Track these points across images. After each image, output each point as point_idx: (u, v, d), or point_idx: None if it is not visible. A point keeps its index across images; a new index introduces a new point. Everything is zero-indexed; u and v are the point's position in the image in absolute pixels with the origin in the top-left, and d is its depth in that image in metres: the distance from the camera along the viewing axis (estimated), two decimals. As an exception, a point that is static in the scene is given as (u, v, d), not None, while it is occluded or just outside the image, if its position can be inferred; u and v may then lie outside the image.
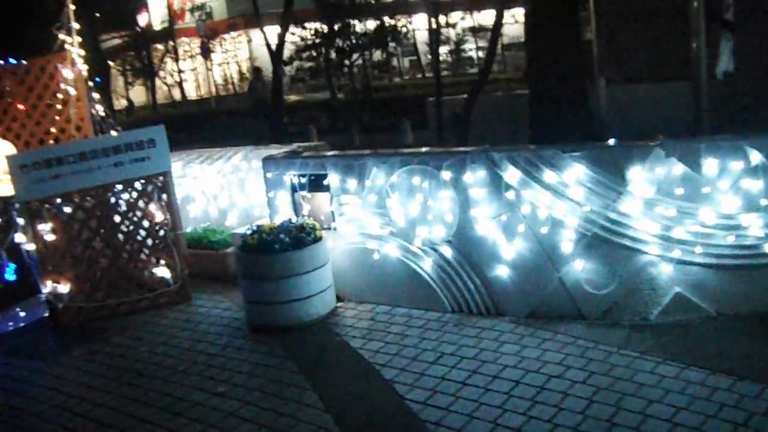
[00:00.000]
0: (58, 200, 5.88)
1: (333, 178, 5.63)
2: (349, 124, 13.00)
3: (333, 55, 19.35)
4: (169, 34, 28.13)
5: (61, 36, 6.52)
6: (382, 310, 5.54)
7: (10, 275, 5.77)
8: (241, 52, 29.86)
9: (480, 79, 10.08)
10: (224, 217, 7.00)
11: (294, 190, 5.85)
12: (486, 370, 4.40)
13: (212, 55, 28.32)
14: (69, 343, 5.73)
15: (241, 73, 28.97)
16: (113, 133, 6.60)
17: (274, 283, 5.27)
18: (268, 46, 17.42)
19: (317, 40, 19.23)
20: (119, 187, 5.96)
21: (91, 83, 6.53)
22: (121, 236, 6.09)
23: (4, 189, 6.01)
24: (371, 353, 4.84)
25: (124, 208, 6.02)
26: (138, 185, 5.99)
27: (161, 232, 6.07)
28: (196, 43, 28.59)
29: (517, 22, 21.58)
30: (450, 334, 4.98)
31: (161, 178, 5.98)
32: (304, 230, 5.39)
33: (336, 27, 18.83)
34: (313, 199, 5.81)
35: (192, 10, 29.49)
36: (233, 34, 29.31)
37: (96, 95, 6.51)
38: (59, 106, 6.54)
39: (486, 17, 23.87)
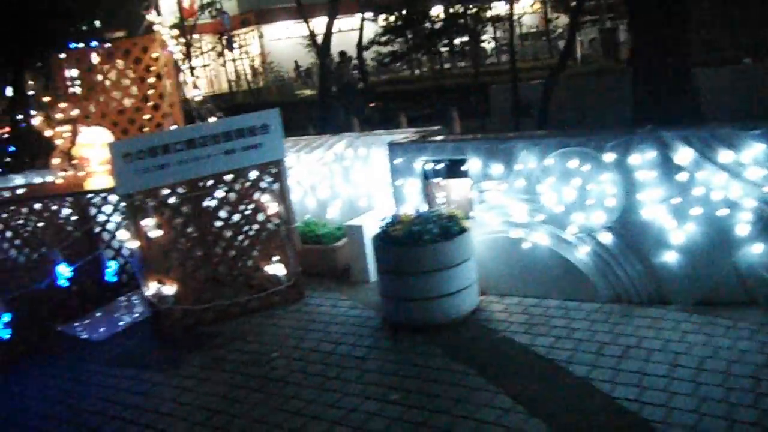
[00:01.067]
0: (164, 192, 5.33)
1: (474, 163, 5.18)
2: (441, 111, 12.44)
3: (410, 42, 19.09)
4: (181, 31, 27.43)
5: (149, 17, 5.96)
6: (531, 302, 5.10)
7: (111, 275, 5.19)
8: (253, 48, 29.21)
9: (559, 65, 9.72)
10: (323, 209, 6.49)
11: (426, 177, 5.39)
12: (684, 362, 4.02)
13: (225, 52, 27.75)
14: (181, 350, 5.18)
15: (253, 68, 28.35)
16: (211, 119, 6.05)
17: (422, 278, 4.80)
18: (313, 37, 16.96)
19: (398, 23, 18.89)
20: (230, 177, 5.43)
21: (185, 67, 5.99)
22: (230, 231, 5.55)
23: (100, 181, 5.43)
24: (545, 349, 4.41)
25: (234, 200, 5.49)
26: (250, 175, 5.46)
27: (274, 226, 5.55)
28: (206, 40, 27.85)
29: (534, 12, 21.51)
30: (622, 326, 4.58)
31: (274, 167, 5.46)
32: (451, 219, 4.94)
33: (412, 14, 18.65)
34: (448, 186, 5.36)
35: (202, 8, 28.68)
36: (244, 29, 28.61)
37: (191, 78, 5.96)
38: (151, 91, 5.99)
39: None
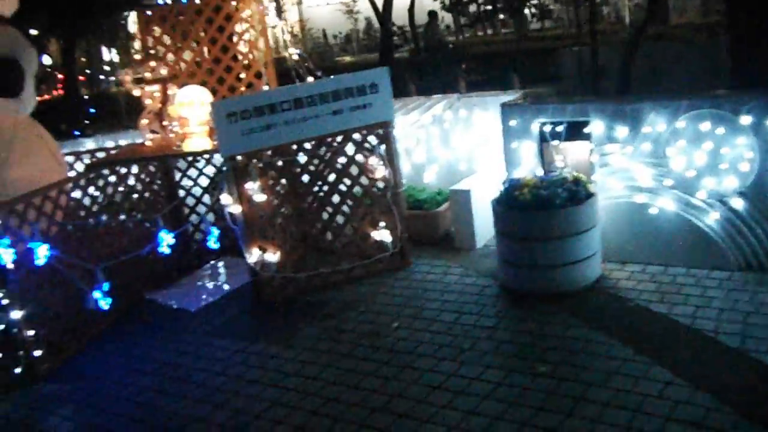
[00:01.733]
0: (268, 154, 5.11)
1: (597, 126, 4.93)
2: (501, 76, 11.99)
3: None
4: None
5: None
6: (657, 270, 4.88)
7: (214, 242, 4.98)
8: (291, 15, 28.72)
9: (642, 26, 9.38)
10: (419, 173, 6.25)
11: (543, 139, 5.15)
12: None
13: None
14: (288, 320, 4.99)
15: (293, 35, 27.97)
16: (310, 79, 5.79)
17: (550, 244, 4.60)
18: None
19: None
20: (337, 139, 5.20)
21: (285, 26, 5.71)
22: (337, 196, 5.34)
23: (199, 142, 5.20)
24: (688, 318, 4.21)
25: (341, 163, 5.26)
26: (357, 136, 5.23)
27: (379, 190, 5.33)
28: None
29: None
30: (763, 294, 4.36)
31: (381, 128, 5.22)
32: (577, 184, 4.71)
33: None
34: (567, 149, 5.12)
35: None
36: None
37: (289, 36, 5.67)
38: (244, 50, 5.73)
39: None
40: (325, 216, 5.43)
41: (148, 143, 5.65)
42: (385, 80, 5.18)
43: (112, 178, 5.40)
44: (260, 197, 5.06)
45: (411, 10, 17.89)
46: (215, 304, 5.47)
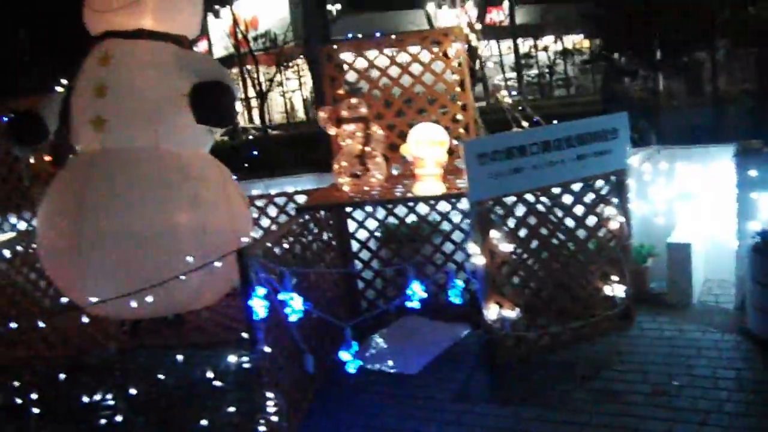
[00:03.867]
0: (512, 200, 4.74)
1: None
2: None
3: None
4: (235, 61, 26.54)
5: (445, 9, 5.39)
6: None
7: (456, 296, 4.46)
8: (307, 78, 28.46)
9: None
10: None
11: (788, 189, 5.00)
12: None
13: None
14: (538, 381, 4.55)
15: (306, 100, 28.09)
16: (525, 124, 5.47)
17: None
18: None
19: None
20: (576, 186, 4.89)
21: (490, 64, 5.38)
22: (573, 247, 4.98)
23: (432, 186, 4.75)
24: None
25: (579, 212, 4.94)
26: (598, 183, 4.93)
27: (610, 242, 5.02)
28: (262, 70, 26.88)
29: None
30: None
31: (617, 176, 4.96)
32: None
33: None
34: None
35: (256, 38, 27.70)
36: (301, 60, 27.73)
37: (499, 79, 5.33)
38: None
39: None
40: (560, 268, 5.04)
41: (345, 188, 5.14)
42: (625, 126, 4.94)
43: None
44: (505, 247, 4.67)
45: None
46: (436, 367, 4.94)
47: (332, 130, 5.30)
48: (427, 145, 4.70)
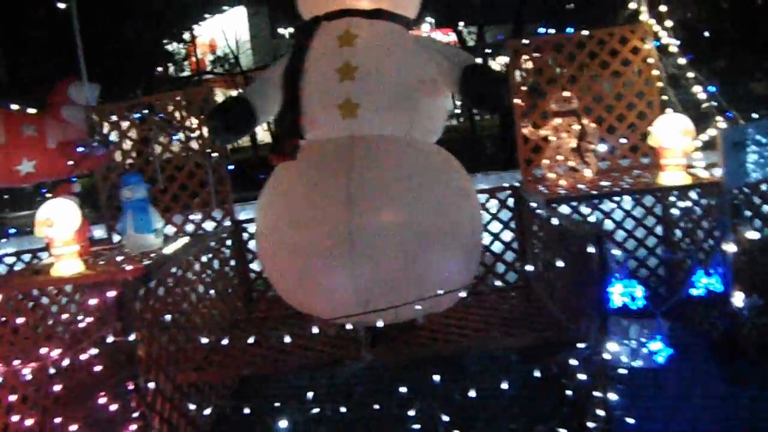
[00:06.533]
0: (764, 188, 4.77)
1: None
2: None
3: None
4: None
5: (632, 5, 5.34)
6: None
7: (698, 284, 4.34)
8: None
9: None
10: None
11: None
12: None
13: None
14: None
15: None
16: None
17: None
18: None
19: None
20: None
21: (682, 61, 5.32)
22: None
23: (677, 176, 4.63)
24: None
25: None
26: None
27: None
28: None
29: None
30: None
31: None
32: None
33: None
34: None
35: (215, 62, 26.24)
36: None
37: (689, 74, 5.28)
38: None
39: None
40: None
41: (562, 182, 4.92)
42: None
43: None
44: (753, 235, 4.63)
45: None
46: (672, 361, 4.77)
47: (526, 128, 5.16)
48: (680, 135, 4.61)
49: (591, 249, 3.56)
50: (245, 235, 5.61)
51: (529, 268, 5.12)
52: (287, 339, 4.16)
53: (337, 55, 4.24)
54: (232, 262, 5.48)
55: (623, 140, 5.38)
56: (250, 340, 4.29)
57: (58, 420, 4.38)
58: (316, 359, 4.28)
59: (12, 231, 6.70)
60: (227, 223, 5.55)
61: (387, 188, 4.00)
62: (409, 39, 4.42)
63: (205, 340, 4.29)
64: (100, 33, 12.95)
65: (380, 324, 4.01)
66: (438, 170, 4.21)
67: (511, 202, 5.46)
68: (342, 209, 3.93)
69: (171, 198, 5.61)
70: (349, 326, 4.15)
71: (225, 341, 4.27)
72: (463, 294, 4.49)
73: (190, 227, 5.64)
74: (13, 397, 4.27)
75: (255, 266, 5.63)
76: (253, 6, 27.70)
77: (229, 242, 5.45)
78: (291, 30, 27.88)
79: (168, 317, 4.19)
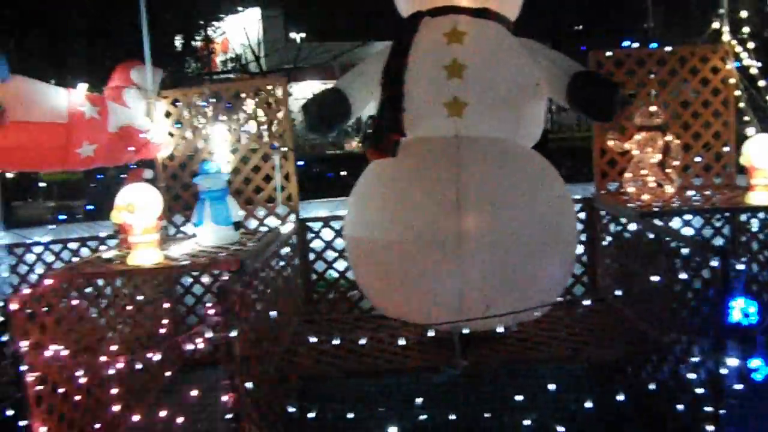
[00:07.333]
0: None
1: None
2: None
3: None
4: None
5: (715, 25, 5.33)
6: None
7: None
8: None
9: None
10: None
11: None
12: None
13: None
14: None
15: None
16: None
17: None
18: None
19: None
20: None
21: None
22: None
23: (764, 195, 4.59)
24: None
25: None
26: None
27: None
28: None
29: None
30: None
31: None
32: None
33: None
34: None
35: (225, 62, 25.66)
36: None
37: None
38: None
39: None
40: None
41: (645, 196, 4.86)
42: None
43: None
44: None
45: None
46: None
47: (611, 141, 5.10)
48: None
49: (714, 263, 3.50)
50: (309, 235, 5.46)
51: (606, 280, 5.05)
52: (362, 341, 4.08)
53: (444, 52, 4.13)
54: (295, 261, 5.32)
55: (698, 159, 5.37)
56: (336, 341, 4.15)
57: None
58: (401, 363, 4.15)
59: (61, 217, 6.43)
60: (291, 220, 5.39)
61: (496, 193, 3.90)
62: (514, 41, 4.34)
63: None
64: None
65: (478, 330, 3.92)
66: (541, 177, 4.13)
67: (582, 215, 5.40)
68: (451, 212, 3.82)
69: (234, 192, 5.44)
70: (431, 332, 4.06)
71: (313, 339, 4.12)
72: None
73: (252, 224, 5.48)
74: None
75: (317, 266, 5.49)
76: (268, 8, 27.37)
77: (292, 240, 5.29)
78: (303, 35, 27.79)
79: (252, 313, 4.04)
